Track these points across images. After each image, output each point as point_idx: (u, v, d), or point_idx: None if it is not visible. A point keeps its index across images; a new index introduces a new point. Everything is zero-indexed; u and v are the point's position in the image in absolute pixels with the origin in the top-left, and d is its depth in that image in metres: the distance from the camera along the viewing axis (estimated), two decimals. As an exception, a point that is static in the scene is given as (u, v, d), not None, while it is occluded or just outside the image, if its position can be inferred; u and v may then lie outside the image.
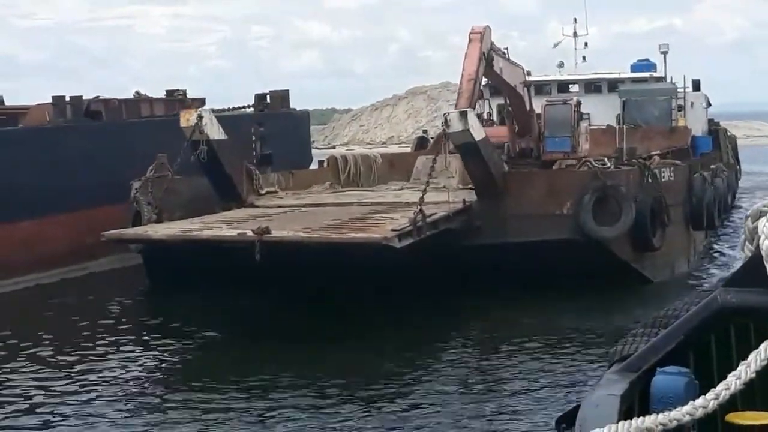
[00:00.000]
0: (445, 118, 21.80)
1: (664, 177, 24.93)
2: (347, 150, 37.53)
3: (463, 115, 21.73)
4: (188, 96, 37.64)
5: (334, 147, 53.93)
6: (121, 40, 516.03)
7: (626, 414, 4.12)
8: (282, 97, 37.51)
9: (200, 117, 21.99)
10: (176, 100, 37.06)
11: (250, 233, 18.66)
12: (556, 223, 22.94)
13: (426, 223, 20.04)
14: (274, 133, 35.87)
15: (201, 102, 38.81)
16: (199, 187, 23.63)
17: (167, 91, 37.54)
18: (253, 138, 28.90)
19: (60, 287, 26.37)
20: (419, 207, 19.92)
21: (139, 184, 23.69)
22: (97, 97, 34.41)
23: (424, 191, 20.56)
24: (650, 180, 23.90)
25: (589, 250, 22.56)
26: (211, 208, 23.34)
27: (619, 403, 4.17)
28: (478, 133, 22.12)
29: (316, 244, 18.82)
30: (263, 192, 24.48)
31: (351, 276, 21.20)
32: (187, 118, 22.07)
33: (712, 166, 33.33)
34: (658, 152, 29.34)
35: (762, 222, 3.97)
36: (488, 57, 25.40)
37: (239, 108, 37.27)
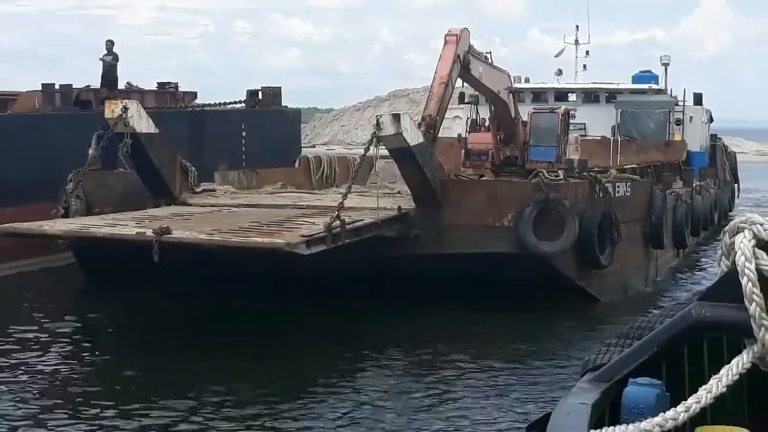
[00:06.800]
0: (377, 120, 20.86)
1: (618, 192, 23.69)
2: (327, 150, 36.74)
3: (396, 117, 20.74)
4: (180, 89, 37.22)
5: (314, 146, 53.43)
6: (103, 30, 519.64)
7: (597, 423, 4.08)
8: (274, 94, 36.77)
9: (125, 109, 21.20)
10: (167, 92, 36.65)
11: (149, 233, 17.96)
12: (497, 236, 21.91)
13: (345, 229, 19.15)
14: (266, 130, 35.40)
15: (193, 96, 38.40)
16: (134, 181, 23.00)
17: (158, 83, 37.12)
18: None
19: (29, 277, 25.88)
20: (336, 213, 19.04)
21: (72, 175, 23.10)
22: (88, 86, 34.06)
23: (344, 196, 19.67)
24: (601, 194, 22.72)
25: (531, 265, 21.52)
26: (144, 203, 22.71)
27: (590, 412, 4.11)
28: (413, 137, 21.10)
29: (215, 246, 18.01)
30: (199, 190, 23.70)
31: (272, 283, 20.45)
32: (111, 109, 21.29)
33: (696, 183, 31.96)
34: (634, 165, 28.16)
35: (739, 237, 3.91)
36: (465, 60, 24.43)
37: (229, 103, 36.80)
